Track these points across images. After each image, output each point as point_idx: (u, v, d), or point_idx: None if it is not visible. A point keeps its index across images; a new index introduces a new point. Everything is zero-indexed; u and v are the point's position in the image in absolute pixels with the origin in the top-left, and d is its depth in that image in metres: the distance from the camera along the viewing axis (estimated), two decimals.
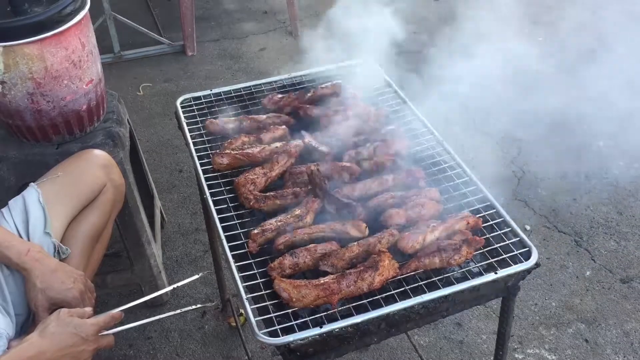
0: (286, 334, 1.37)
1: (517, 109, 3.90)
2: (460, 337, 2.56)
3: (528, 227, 3.04)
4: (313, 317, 1.42)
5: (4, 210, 1.83)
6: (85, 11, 2.11)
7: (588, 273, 2.83)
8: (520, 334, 2.56)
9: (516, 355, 2.49)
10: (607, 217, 3.11)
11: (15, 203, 1.84)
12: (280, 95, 2.12)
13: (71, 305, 1.63)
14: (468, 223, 1.63)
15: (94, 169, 2.00)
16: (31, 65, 2.00)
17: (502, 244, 1.60)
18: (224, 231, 1.62)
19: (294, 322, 1.41)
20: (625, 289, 2.75)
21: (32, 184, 1.90)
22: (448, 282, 1.51)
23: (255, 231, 1.60)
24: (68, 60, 2.07)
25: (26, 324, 1.72)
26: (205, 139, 1.97)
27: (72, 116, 2.19)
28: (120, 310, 1.60)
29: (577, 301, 2.70)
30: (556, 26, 4.76)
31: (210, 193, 1.74)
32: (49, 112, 2.13)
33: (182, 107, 2.08)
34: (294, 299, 1.43)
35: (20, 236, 1.76)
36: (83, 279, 1.72)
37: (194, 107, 2.10)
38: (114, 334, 1.58)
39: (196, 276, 1.76)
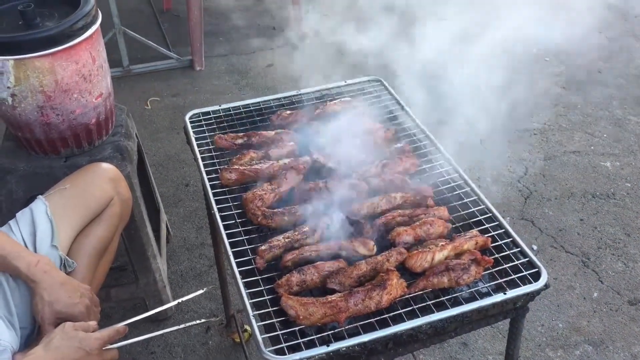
0: (293, 352, 1.36)
1: (523, 127, 3.91)
2: (466, 357, 2.54)
3: (535, 247, 3.03)
4: (320, 335, 1.41)
5: (12, 222, 1.83)
6: (96, 26, 2.12)
7: (595, 294, 2.80)
8: (526, 355, 2.54)
9: None
10: (614, 238, 3.09)
11: (22, 215, 1.84)
12: (288, 112, 2.12)
13: (77, 320, 1.63)
14: (477, 243, 1.62)
15: (102, 182, 2.00)
16: (42, 79, 2.01)
17: (511, 264, 1.59)
18: (231, 247, 1.61)
19: (300, 340, 1.39)
20: (633, 311, 2.72)
21: (39, 196, 1.90)
22: (456, 302, 1.50)
23: (263, 247, 1.60)
24: (78, 74, 2.08)
25: (31, 337, 1.72)
26: (214, 154, 1.97)
27: (81, 130, 2.19)
28: (125, 325, 1.60)
29: (584, 323, 2.67)
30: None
31: (218, 208, 1.73)
32: (59, 125, 2.13)
33: (190, 122, 2.08)
34: (301, 317, 1.41)
35: (27, 248, 1.75)
36: (89, 293, 1.72)
37: (203, 122, 2.10)
38: (117, 348, 1.57)
39: (201, 291, 1.76)
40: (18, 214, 1.85)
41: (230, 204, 1.78)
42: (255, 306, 1.48)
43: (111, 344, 1.54)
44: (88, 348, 1.48)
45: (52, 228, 1.80)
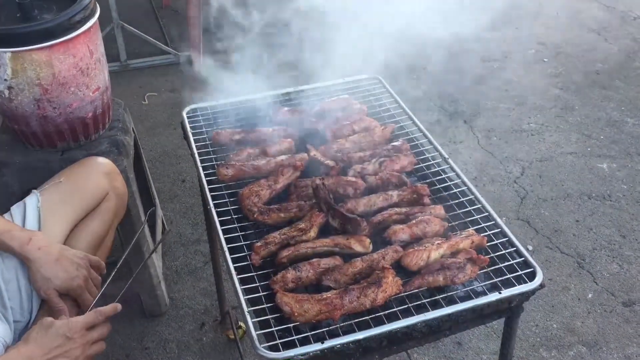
0: (287, 349, 1.36)
1: (520, 128, 3.92)
2: (460, 356, 2.54)
3: (530, 248, 3.03)
4: (314, 332, 1.41)
5: (6, 215, 1.82)
6: (94, 19, 2.12)
7: (590, 295, 2.81)
8: (520, 355, 2.54)
9: None
10: (610, 239, 3.09)
11: (17, 209, 1.84)
12: (286, 108, 2.12)
13: (76, 293, 1.67)
14: (473, 242, 1.62)
15: (97, 176, 2.00)
16: (39, 72, 2.00)
17: (506, 263, 1.59)
18: (227, 243, 1.61)
19: (295, 337, 1.39)
20: (628, 312, 2.73)
21: (34, 190, 1.89)
22: (451, 301, 1.50)
23: (259, 244, 1.59)
24: (76, 68, 2.08)
25: (24, 330, 1.71)
26: (211, 149, 1.97)
27: (77, 123, 2.18)
28: (110, 306, 1.60)
29: (578, 323, 2.68)
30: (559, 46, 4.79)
31: (214, 204, 1.73)
32: (55, 118, 2.12)
33: (188, 118, 2.08)
34: (296, 314, 1.41)
35: (20, 226, 1.75)
36: (86, 262, 1.73)
37: (200, 118, 2.10)
38: (105, 340, 1.57)
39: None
40: (13, 208, 1.84)
41: (227, 200, 1.78)
42: (250, 302, 1.48)
43: (96, 325, 1.54)
44: (68, 333, 1.47)
45: (39, 221, 1.79)
